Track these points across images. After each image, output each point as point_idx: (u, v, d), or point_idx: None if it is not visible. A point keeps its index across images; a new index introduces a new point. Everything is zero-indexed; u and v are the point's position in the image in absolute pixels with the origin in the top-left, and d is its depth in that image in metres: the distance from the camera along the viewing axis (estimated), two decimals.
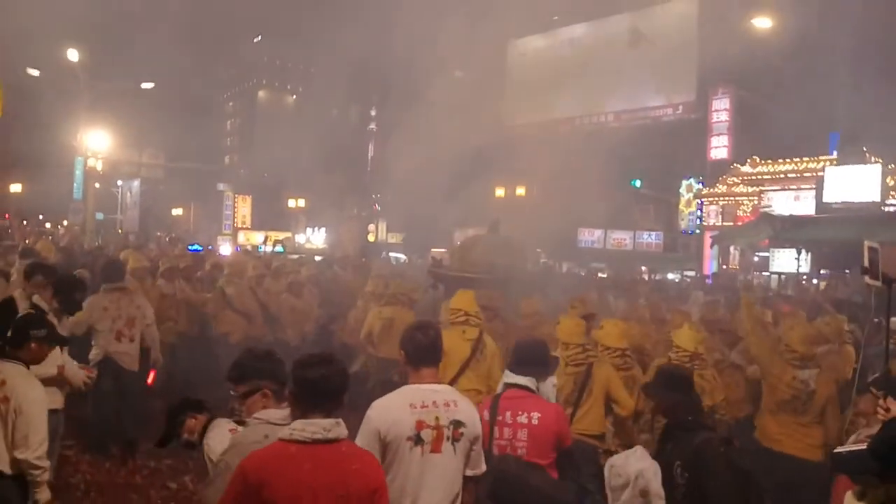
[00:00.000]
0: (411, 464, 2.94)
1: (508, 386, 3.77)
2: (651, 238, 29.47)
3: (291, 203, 38.11)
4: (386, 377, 6.71)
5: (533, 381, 3.73)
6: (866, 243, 3.60)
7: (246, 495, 2.34)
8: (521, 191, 31.46)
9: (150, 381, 6.65)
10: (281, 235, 35.16)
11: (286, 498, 2.32)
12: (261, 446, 2.50)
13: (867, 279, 3.56)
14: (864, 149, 20.61)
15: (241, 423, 2.88)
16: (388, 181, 35.40)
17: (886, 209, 19.06)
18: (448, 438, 3.00)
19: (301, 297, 8.96)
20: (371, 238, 33.98)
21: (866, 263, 3.52)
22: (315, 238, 34.30)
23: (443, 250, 32.51)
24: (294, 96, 62.14)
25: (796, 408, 5.03)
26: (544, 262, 18.54)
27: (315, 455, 2.37)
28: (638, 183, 26.16)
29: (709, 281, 17.88)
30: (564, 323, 5.13)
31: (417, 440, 2.95)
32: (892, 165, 20.26)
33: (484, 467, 3.25)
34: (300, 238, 34.57)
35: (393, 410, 2.99)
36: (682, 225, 27.87)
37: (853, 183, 19.15)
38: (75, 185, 28.48)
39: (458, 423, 3.04)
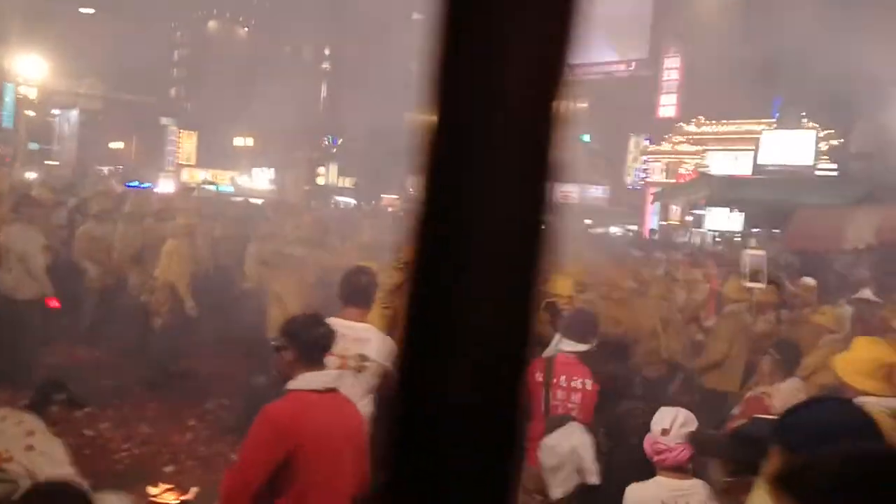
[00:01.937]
0: None
1: (561, 351, 4.04)
2: (598, 192, 30.03)
3: (239, 141, 37.13)
4: None
5: (585, 348, 4.04)
6: (748, 252, 3.85)
7: (275, 440, 2.60)
8: None
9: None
10: (227, 174, 34.37)
11: (311, 440, 2.64)
12: None
13: (749, 283, 3.80)
14: (803, 114, 21.31)
15: None
16: (342, 123, 34.87)
17: (818, 173, 19.87)
18: (350, 369, 3.48)
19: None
20: (320, 181, 33.53)
21: (746, 270, 3.74)
22: (259, 180, 33.52)
23: (395, 197, 32.60)
24: (246, 29, 59.71)
25: None
26: None
27: (326, 401, 2.75)
28: (586, 138, 26.49)
29: (646, 237, 18.50)
30: None
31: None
32: (826, 132, 21.05)
33: None
34: (242, 180, 33.79)
35: None
36: (628, 180, 28.45)
37: (789, 147, 19.86)
38: (4, 112, 27.12)
39: (363, 357, 3.53)
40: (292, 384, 2.76)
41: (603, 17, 29.76)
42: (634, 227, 25.30)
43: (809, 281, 7.78)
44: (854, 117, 20.13)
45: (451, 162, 0.48)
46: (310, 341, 2.82)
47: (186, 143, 38.65)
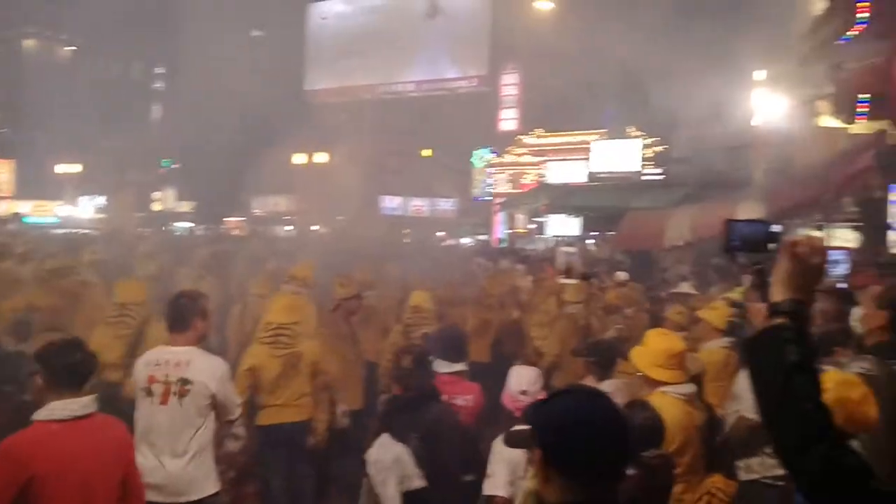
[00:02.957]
0: (143, 410, 3.58)
1: (443, 373, 4.06)
2: (448, 205, 30.58)
3: (63, 168, 34.19)
4: None
5: (463, 366, 4.19)
6: (562, 249, 4.10)
7: (9, 473, 2.59)
8: (321, 158, 31.07)
9: None
10: (51, 205, 31.63)
11: (51, 471, 2.64)
12: None
13: (563, 279, 4.00)
14: (630, 125, 22.86)
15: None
16: (178, 145, 33.14)
17: (644, 178, 21.33)
18: (175, 394, 3.54)
19: None
20: (157, 207, 31.61)
21: (561, 266, 3.95)
22: (83, 210, 30.88)
23: (242, 219, 31.36)
24: (72, 48, 55.51)
25: None
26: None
27: (75, 429, 2.73)
28: (428, 152, 26.94)
29: (493, 245, 18.97)
30: (277, 302, 5.11)
31: (148, 392, 3.56)
32: (649, 140, 22.69)
33: (234, 414, 3.84)
34: (63, 210, 30.95)
35: (138, 363, 3.70)
36: (475, 192, 29.18)
37: (617, 155, 21.20)
38: None
39: (185, 381, 3.55)
40: (37, 414, 2.73)
41: (444, 35, 30.52)
42: (484, 237, 25.94)
43: (621, 275, 8.27)
44: (674, 125, 21.84)
45: None
46: (60, 368, 2.77)
47: (2, 173, 35.02)
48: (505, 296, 7.67)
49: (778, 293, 1.57)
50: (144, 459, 3.42)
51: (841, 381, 2.62)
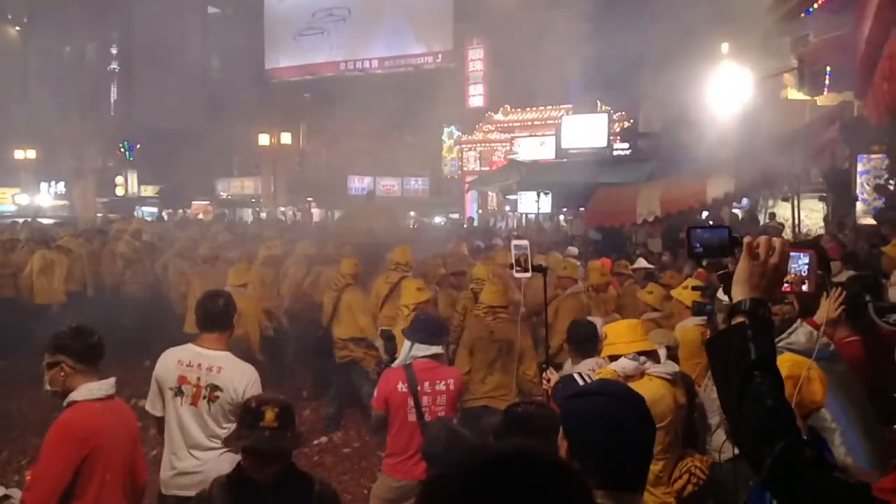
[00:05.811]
0: (172, 409, 3.64)
1: (415, 357, 4.17)
2: (418, 184, 30.36)
3: (19, 154, 33.18)
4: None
5: (440, 349, 4.27)
6: (513, 242, 4.12)
7: (75, 451, 2.85)
8: (286, 138, 30.56)
9: None
10: (8, 192, 30.67)
11: (106, 443, 2.95)
12: None
13: (516, 273, 4.06)
14: (597, 100, 22.82)
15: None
16: (138, 127, 32.27)
17: (614, 153, 21.36)
18: (205, 397, 3.61)
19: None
20: (120, 192, 30.85)
21: (513, 260, 4.02)
22: (42, 197, 29.94)
23: (206, 202, 30.76)
24: (17, 28, 53.51)
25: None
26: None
27: (109, 408, 3.04)
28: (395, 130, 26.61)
29: (465, 225, 18.86)
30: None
31: (178, 392, 3.62)
32: (617, 115, 22.71)
33: None
34: (22, 198, 30.01)
35: (166, 360, 3.69)
36: (445, 171, 28.99)
37: (585, 130, 21.17)
38: None
39: (214, 387, 3.61)
40: (76, 395, 2.96)
41: (406, 10, 30.07)
42: (456, 216, 25.83)
43: (572, 250, 8.43)
44: (640, 100, 21.87)
45: None
46: (86, 350, 3.02)
47: None
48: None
49: (738, 293, 1.59)
50: (177, 451, 3.62)
51: (790, 361, 2.65)
